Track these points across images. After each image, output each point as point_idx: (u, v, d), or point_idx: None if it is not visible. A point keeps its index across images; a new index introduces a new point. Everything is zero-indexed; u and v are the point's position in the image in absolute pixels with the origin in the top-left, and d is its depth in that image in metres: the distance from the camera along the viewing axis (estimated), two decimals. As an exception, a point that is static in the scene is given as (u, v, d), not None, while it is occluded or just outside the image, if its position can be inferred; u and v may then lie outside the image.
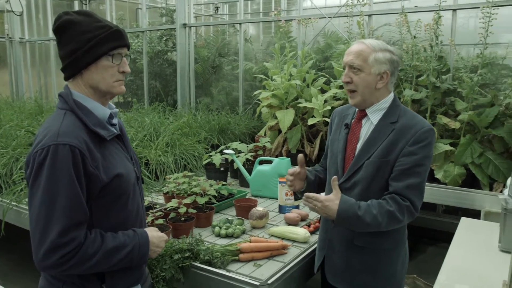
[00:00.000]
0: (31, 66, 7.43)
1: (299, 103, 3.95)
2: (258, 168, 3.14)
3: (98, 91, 1.49)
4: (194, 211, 2.39)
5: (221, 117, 4.59)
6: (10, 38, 7.24)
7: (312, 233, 2.40)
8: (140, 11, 7.82)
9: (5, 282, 3.63)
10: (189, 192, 2.63)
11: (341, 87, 3.90)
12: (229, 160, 3.46)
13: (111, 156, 1.49)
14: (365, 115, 1.91)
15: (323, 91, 4.04)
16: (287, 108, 4.04)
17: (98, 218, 1.45)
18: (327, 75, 4.17)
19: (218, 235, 2.36)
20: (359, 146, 1.89)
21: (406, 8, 3.62)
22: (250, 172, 3.21)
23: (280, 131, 4.06)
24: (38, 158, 1.33)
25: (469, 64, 3.44)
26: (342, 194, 1.81)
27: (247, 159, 3.36)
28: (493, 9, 3.13)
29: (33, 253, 1.35)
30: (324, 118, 3.77)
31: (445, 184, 3.20)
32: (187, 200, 2.47)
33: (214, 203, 2.68)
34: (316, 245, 2.16)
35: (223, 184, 2.82)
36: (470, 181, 3.20)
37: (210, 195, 2.57)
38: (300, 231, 2.32)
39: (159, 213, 2.44)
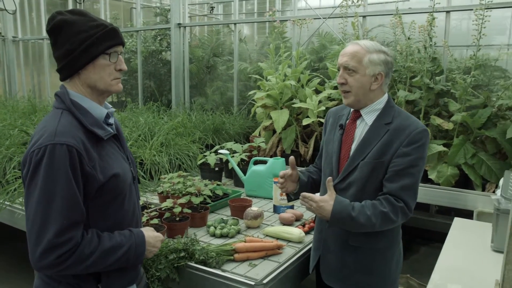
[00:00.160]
0: (24, 65, 7.38)
1: (293, 103, 3.96)
2: (253, 168, 3.15)
3: (96, 90, 1.49)
4: (189, 211, 2.39)
5: (216, 117, 4.59)
6: (3, 36, 7.19)
7: (306, 233, 2.41)
8: (134, 11, 7.81)
9: (-2, 282, 3.61)
10: (184, 192, 2.62)
11: (335, 88, 3.92)
12: (224, 160, 3.46)
13: (107, 156, 1.49)
14: (360, 116, 1.92)
15: (317, 91, 4.06)
16: (281, 108, 4.05)
17: (94, 218, 1.45)
18: (321, 76, 4.18)
19: (213, 235, 2.36)
20: (353, 147, 1.90)
21: (400, 9, 3.64)
22: (244, 172, 3.22)
23: (274, 131, 4.07)
24: (35, 157, 1.33)
25: (462, 66, 3.47)
26: (337, 195, 1.83)
27: (242, 159, 3.36)
28: (486, 11, 3.15)
29: (29, 253, 1.34)
30: (318, 119, 3.79)
31: (439, 184, 3.22)
32: (182, 200, 2.47)
33: (209, 203, 2.68)
34: (311, 245, 2.17)
35: (217, 184, 2.82)
36: (463, 182, 3.23)
37: (205, 195, 2.57)
38: (295, 231, 2.33)
39: (154, 213, 2.44)
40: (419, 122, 1.86)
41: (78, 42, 1.43)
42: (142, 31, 5.87)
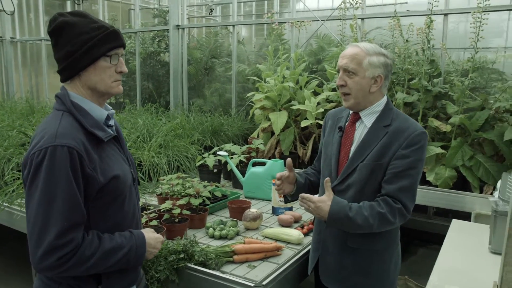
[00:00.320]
0: (22, 66, 7.37)
1: (292, 105, 3.97)
2: (251, 170, 3.15)
3: (96, 92, 1.50)
4: (188, 212, 2.39)
5: (214, 119, 4.59)
6: (1, 37, 7.17)
7: (305, 234, 2.41)
8: (132, 12, 7.81)
9: (-4, 284, 3.61)
10: (183, 194, 2.63)
11: (333, 90, 3.93)
12: (222, 161, 3.47)
13: (108, 157, 1.49)
14: (359, 118, 1.93)
15: (316, 93, 4.06)
16: (280, 110, 4.05)
17: (95, 220, 1.46)
18: (320, 78, 4.20)
19: (212, 237, 2.37)
20: (353, 149, 1.91)
21: (399, 12, 3.65)
22: (243, 174, 3.22)
23: (273, 133, 4.08)
24: (36, 159, 1.33)
25: (460, 68, 3.48)
26: (335, 196, 1.84)
27: (240, 161, 3.37)
28: (484, 14, 3.17)
29: (30, 254, 1.34)
30: (317, 121, 3.80)
31: (436, 186, 3.24)
32: (181, 202, 2.47)
33: (207, 205, 2.69)
34: (309, 247, 2.18)
35: (216, 186, 2.82)
36: (461, 184, 3.24)
37: (204, 196, 2.58)
38: (294, 233, 2.34)
39: (153, 214, 2.45)
40: (417, 125, 1.87)
41: (79, 44, 1.43)
42: (140, 33, 5.87)
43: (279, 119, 3.88)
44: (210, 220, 2.60)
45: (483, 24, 3.18)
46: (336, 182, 1.93)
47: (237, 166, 3.31)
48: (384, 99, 1.92)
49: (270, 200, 2.91)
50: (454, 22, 4.10)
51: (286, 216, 2.60)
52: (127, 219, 1.57)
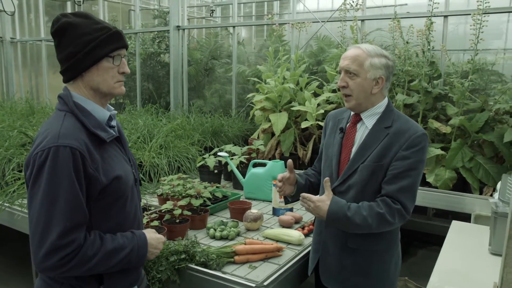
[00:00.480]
0: (22, 66, 7.37)
1: (292, 106, 3.97)
2: (252, 170, 3.16)
3: (99, 92, 1.50)
4: (189, 213, 2.40)
5: (214, 120, 4.60)
6: (1, 38, 7.17)
7: (306, 235, 2.42)
8: (132, 13, 7.81)
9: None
10: (183, 194, 2.63)
11: (334, 91, 3.94)
12: (223, 162, 3.47)
13: (110, 158, 1.50)
14: (360, 119, 1.94)
15: (316, 94, 4.07)
16: (280, 111, 4.06)
17: (97, 220, 1.46)
18: (320, 79, 4.20)
19: (213, 237, 2.37)
20: (354, 150, 1.92)
21: (399, 13, 3.66)
22: (243, 175, 3.23)
23: (273, 134, 4.09)
24: (39, 159, 1.34)
25: (460, 70, 3.49)
26: (334, 196, 1.85)
27: (241, 162, 3.37)
28: (484, 16, 3.18)
29: (32, 254, 1.35)
30: (317, 122, 3.80)
31: (436, 187, 3.25)
32: (182, 202, 2.47)
33: (208, 205, 2.69)
34: (310, 248, 2.18)
35: (217, 187, 2.83)
36: (460, 185, 3.25)
37: (204, 197, 2.58)
38: (295, 234, 2.34)
39: (154, 215, 2.45)
40: (418, 126, 1.88)
41: (82, 45, 1.44)
42: (140, 33, 5.88)
43: (279, 120, 3.89)
44: (211, 220, 2.61)
45: (483, 26, 3.20)
46: (337, 183, 1.94)
47: (237, 167, 3.31)
48: (385, 101, 1.92)
49: (271, 201, 2.92)
50: (453, 24, 4.11)
51: (287, 217, 2.60)
52: (129, 220, 1.57)
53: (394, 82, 3.67)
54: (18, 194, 2.93)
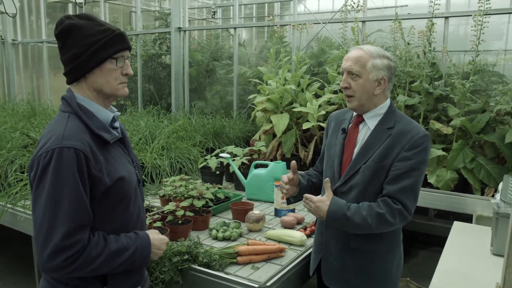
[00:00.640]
0: (24, 68, 7.39)
1: (293, 107, 3.98)
2: (254, 171, 3.17)
3: (102, 94, 1.51)
4: (191, 214, 2.41)
5: (216, 121, 4.61)
6: (2, 39, 7.19)
7: (308, 236, 2.42)
8: (133, 14, 7.83)
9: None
10: (186, 195, 2.64)
11: (335, 92, 3.94)
12: (225, 163, 3.48)
13: (113, 159, 1.51)
14: (362, 120, 1.94)
15: (317, 96, 4.08)
16: (282, 112, 4.07)
17: (100, 221, 1.47)
18: (321, 80, 4.21)
19: (215, 238, 2.38)
20: (356, 150, 1.93)
21: (400, 15, 3.67)
22: (245, 176, 3.23)
23: (274, 135, 4.09)
24: (43, 161, 1.35)
25: (461, 71, 3.50)
26: (334, 196, 1.86)
27: (243, 163, 3.38)
28: (485, 17, 3.19)
29: (37, 255, 1.36)
30: (318, 123, 3.81)
31: (438, 188, 3.25)
32: (184, 203, 2.48)
33: (210, 206, 2.70)
34: (312, 248, 2.19)
35: (219, 188, 2.83)
36: (462, 186, 3.25)
37: (207, 198, 2.59)
38: (297, 234, 2.35)
39: (157, 216, 2.46)
40: (420, 127, 1.88)
41: (85, 46, 1.45)
42: (141, 35, 5.89)
43: (280, 121, 3.89)
44: (213, 221, 2.61)
45: (484, 27, 3.20)
46: (338, 183, 1.94)
47: (239, 168, 3.32)
48: (387, 102, 1.93)
49: (273, 202, 2.92)
50: (454, 25, 4.12)
51: (289, 217, 2.61)
52: (132, 220, 1.58)
53: (395, 83, 3.68)
54: (21, 195, 2.94)
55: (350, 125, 1.99)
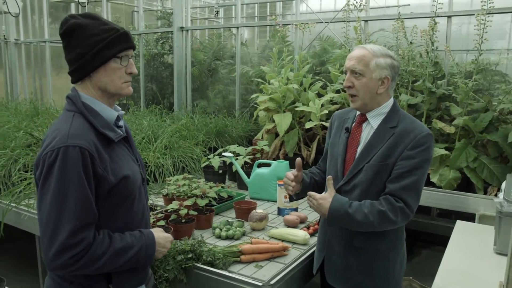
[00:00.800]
0: (26, 67, 7.41)
1: (296, 107, 3.98)
2: (257, 171, 3.17)
3: (107, 93, 1.52)
4: (194, 213, 2.41)
5: (218, 120, 4.62)
6: (5, 39, 7.21)
7: (311, 235, 2.43)
8: (136, 14, 7.84)
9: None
10: (189, 194, 2.64)
11: (337, 92, 3.95)
12: (227, 163, 3.48)
13: (118, 158, 1.51)
14: (366, 119, 1.95)
15: (319, 95, 4.08)
16: (284, 111, 4.07)
17: (105, 219, 1.47)
18: (323, 80, 4.21)
19: (219, 237, 2.38)
20: (359, 149, 1.93)
21: (402, 14, 3.67)
22: (248, 175, 3.24)
23: (277, 135, 4.09)
24: (48, 159, 1.35)
25: (464, 70, 3.50)
26: (336, 194, 1.87)
27: (245, 162, 3.39)
28: (488, 16, 3.19)
29: (43, 253, 1.36)
30: (321, 122, 3.81)
31: (441, 187, 3.25)
32: (188, 202, 2.49)
33: (214, 205, 2.70)
34: (315, 247, 2.19)
35: (222, 187, 2.84)
36: (465, 185, 3.25)
37: (210, 197, 2.60)
38: (300, 233, 2.35)
39: (160, 214, 2.47)
40: (424, 126, 1.89)
41: (90, 46, 1.45)
42: (144, 34, 5.90)
43: (283, 121, 3.89)
44: (216, 220, 2.62)
45: (487, 26, 3.20)
46: (342, 182, 1.95)
47: (242, 167, 3.32)
48: (390, 101, 1.93)
49: (275, 201, 2.93)
50: (456, 24, 4.12)
51: (292, 216, 2.61)
52: (136, 219, 1.58)
53: (398, 82, 3.68)
54: (25, 194, 2.95)
55: (354, 124, 2.00)
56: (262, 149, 3.64)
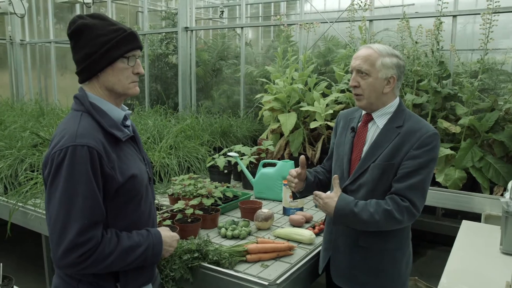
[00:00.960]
0: (32, 68, 7.44)
1: (301, 106, 3.98)
2: (262, 170, 3.17)
3: (114, 92, 1.53)
4: (200, 212, 2.42)
5: (223, 120, 4.63)
6: (11, 40, 7.24)
7: (317, 234, 2.43)
8: (140, 14, 7.86)
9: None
10: (195, 194, 2.65)
11: (342, 91, 3.94)
12: (232, 162, 3.49)
13: (125, 157, 1.52)
14: (371, 119, 1.95)
15: (324, 95, 4.08)
16: (289, 111, 4.07)
17: (112, 218, 1.48)
18: (328, 79, 4.21)
19: (225, 236, 2.39)
20: (365, 149, 1.93)
21: (407, 13, 3.66)
22: (253, 175, 3.24)
23: (282, 135, 4.09)
24: (57, 159, 1.36)
25: (469, 69, 3.49)
26: (342, 193, 1.87)
27: (250, 162, 3.39)
28: (493, 15, 3.18)
29: (51, 252, 1.38)
30: (326, 122, 3.81)
31: (446, 187, 3.24)
32: (194, 202, 2.50)
33: (219, 205, 2.71)
34: (321, 247, 2.20)
35: (227, 187, 2.85)
36: (470, 185, 3.25)
37: (215, 197, 2.60)
38: (306, 233, 2.36)
39: (166, 214, 2.47)
40: (430, 126, 1.88)
41: (97, 46, 1.46)
42: (148, 35, 5.92)
43: (288, 121, 3.89)
44: (222, 220, 2.62)
45: (492, 25, 3.19)
46: (347, 182, 1.95)
47: (247, 167, 3.33)
48: (396, 100, 1.93)
49: (281, 201, 2.93)
50: (461, 24, 4.11)
51: (297, 216, 2.62)
52: (143, 218, 1.59)
53: (403, 82, 3.67)
54: (31, 194, 2.96)
55: (359, 123, 2.00)
56: (267, 149, 3.65)
